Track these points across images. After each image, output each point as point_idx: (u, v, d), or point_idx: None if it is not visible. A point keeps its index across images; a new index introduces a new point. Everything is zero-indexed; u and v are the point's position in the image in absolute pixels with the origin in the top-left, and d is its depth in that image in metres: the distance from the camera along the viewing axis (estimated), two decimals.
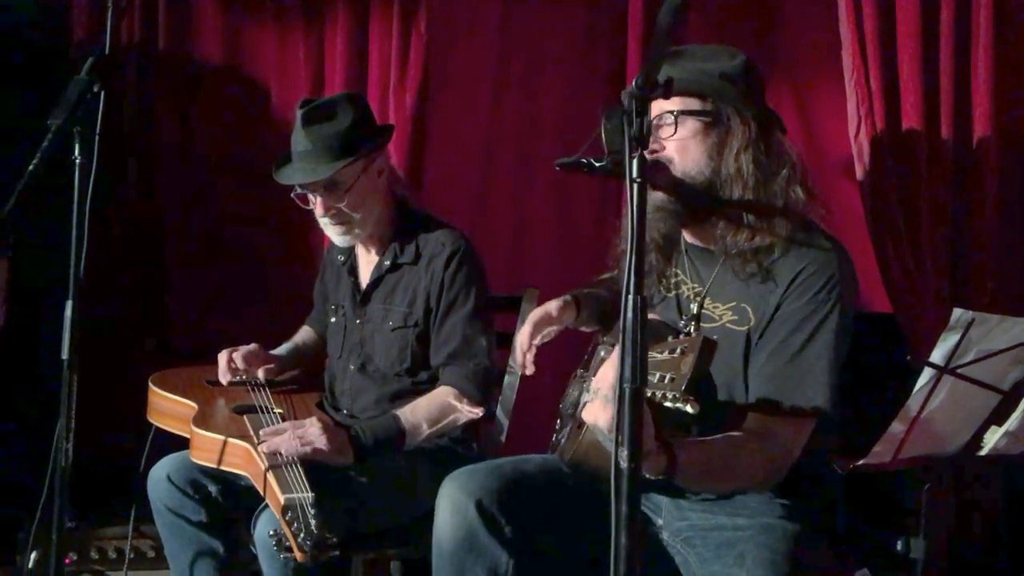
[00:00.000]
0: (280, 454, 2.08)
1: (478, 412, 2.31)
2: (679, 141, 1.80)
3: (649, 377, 1.52)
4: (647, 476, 1.60)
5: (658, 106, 1.76)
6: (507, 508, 1.80)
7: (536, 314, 2.03)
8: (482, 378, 2.31)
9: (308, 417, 2.22)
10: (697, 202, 1.82)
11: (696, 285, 1.91)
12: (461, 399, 2.29)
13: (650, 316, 1.82)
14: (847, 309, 1.79)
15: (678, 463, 1.61)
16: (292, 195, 2.36)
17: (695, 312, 1.88)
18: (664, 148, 1.80)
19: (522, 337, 2.01)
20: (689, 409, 1.49)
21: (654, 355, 1.55)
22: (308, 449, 2.11)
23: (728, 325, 1.84)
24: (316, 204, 2.33)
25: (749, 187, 1.79)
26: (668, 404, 1.51)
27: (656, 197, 1.81)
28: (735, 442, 1.75)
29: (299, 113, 2.33)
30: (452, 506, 1.82)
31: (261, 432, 2.15)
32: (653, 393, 1.52)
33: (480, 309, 2.34)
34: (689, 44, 1.93)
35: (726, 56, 1.86)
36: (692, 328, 1.87)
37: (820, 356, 1.76)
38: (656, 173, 1.79)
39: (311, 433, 2.14)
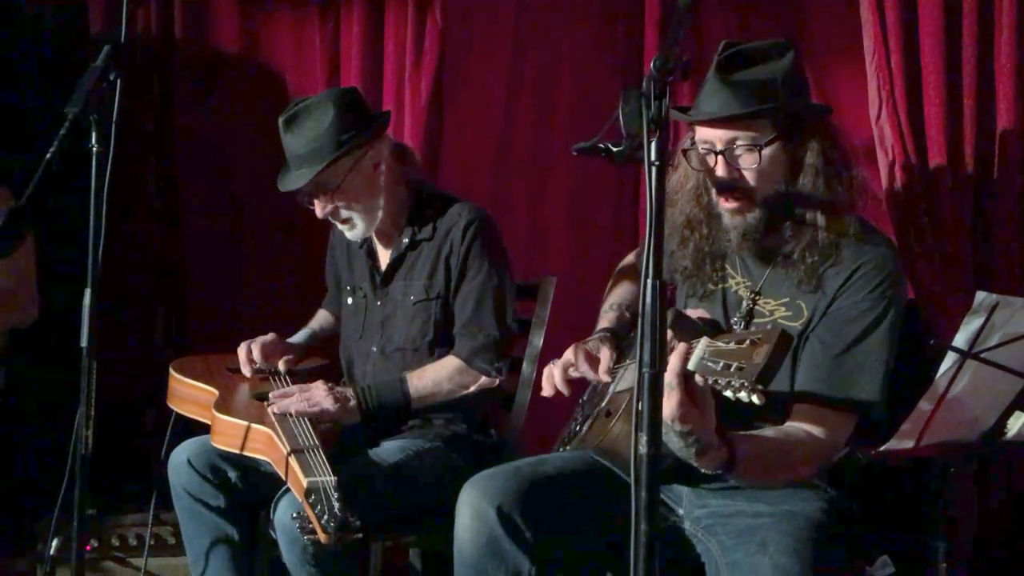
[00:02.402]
0: (290, 414, 2.16)
1: (486, 382, 2.31)
2: (762, 170, 1.79)
3: (711, 364, 1.51)
4: (705, 471, 1.60)
5: (731, 135, 1.77)
6: (528, 512, 1.79)
7: (576, 356, 1.93)
8: (491, 350, 2.31)
9: None
10: (775, 218, 1.82)
11: (747, 280, 1.89)
12: (464, 369, 2.30)
13: (695, 312, 1.83)
14: (900, 310, 1.80)
15: (737, 458, 1.60)
16: (297, 198, 2.36)
17: (748, 308, 1.87)
18: (743, 176, 1.79)
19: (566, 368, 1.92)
20: (755, 400, 1.47)
21: (719, 345, 1.53)
22: (316, 409, 2.19)
23: (780, 321, 1.83)
24: (315, 206, 2.34)
25: (822, 197, 1.80)
26: (729, 393, 1.49)
27: (741, 223, 1.82)
28: (787, 436, 1.74)
29: (280, 120, 2.32)
30: (473, 512, 1.81)
31: (270, 394, 2.23)
32: (715, 381, 1.50)
33: (494, 279, 2.34)
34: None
35: (776, 55, 1.82)
36: (743, 326, 1.86)
37: (872, 352, 1.77)
38: (741, 201, 1.80)
39: (317, 394, 2.22)
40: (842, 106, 2.75)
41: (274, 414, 2.19)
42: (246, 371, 2.45)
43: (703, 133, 1.82)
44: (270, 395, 2.25)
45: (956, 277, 2.36)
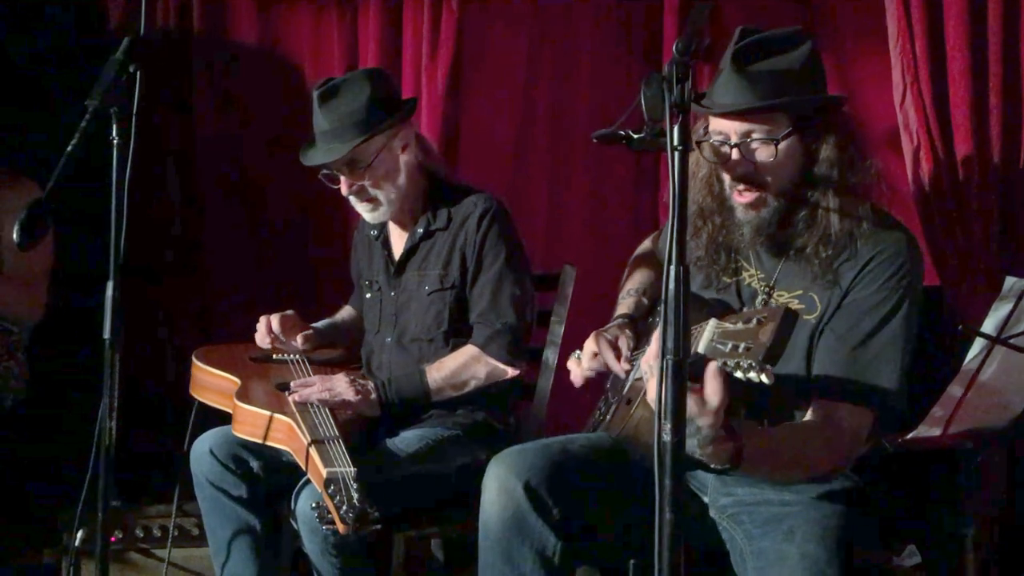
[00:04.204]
0: (311, 404, 2.17)
1: (503, 371, 2.30)
2: (777, 163, 1.76)
3: (720, 347, 1.49)
4: (712, 466, 1.58)
5: (746, 128, 1.75)
6: (555, 489, 1.78)
7: (599, 344, 1.92)
8: (508, 337, 2.29)
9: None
10: (789, 210, 1.79)
11: (760, 273, 1.87)
12: (481, 358, 2.30)
13: (711, 297, 1.81)
14: (916, 300, 1.76)
15: (745, 453, 1.58)
16: (320, 176, 2.35)
17: (763, 301, 1.84)
18: (756, 167, 1.77)
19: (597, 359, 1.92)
20: (764, 379, 1.45)
21: (727, 326, 1.52)
22: (337, 400, 2.21)
23: None
24: (341, 183, 2.33)
25: (837, 189, 1.77)
26: (739, 375, 1.47)
27: (754, 218, 1.79)
28: (801, 432, 1.72)
29: (315, 94, 2.32)
30: (499, 486, 1.80)
31: (292, 384, 2.24)
32: (724, 363, 1.48)
33: (511, 267, 2.33)
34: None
35: (792, 44, 1.79)
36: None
37: (888, 344, 1.73)
38: (755, 194, 1.78)
39: (339, 385, 2.24)
40: (866, 91, 2.73)
41: (295, 403, 2.19)
42: (265, 343, 2.46)
43: (717, 124, 1.79)
44: (291, 384, 2.25)
45: (983, 262, 2.33)
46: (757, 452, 1.61)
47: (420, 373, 2.31)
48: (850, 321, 1.75)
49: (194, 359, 2.46)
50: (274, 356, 2.49)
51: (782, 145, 1.75)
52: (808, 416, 1.75)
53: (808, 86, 1.77)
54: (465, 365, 2.31)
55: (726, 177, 1.82)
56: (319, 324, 2.61)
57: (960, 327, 1.87)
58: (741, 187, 1.79)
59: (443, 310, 2.36)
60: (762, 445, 1.63)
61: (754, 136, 1.75)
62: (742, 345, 1.47)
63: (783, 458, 1.69)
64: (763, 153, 1.76)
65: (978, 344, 1.78)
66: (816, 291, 1.79)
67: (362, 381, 2.30)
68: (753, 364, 1.45)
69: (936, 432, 1.84)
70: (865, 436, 1.75)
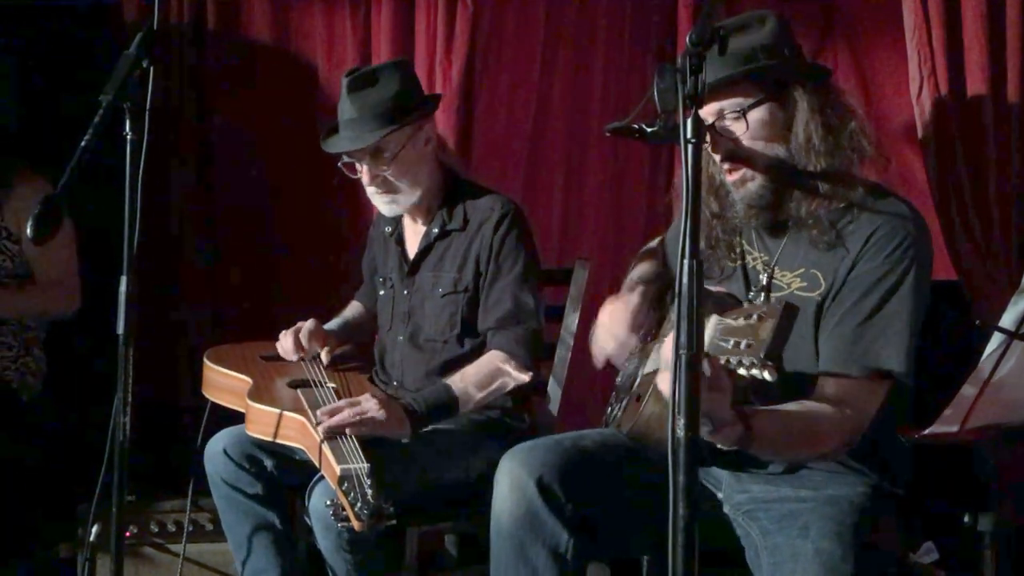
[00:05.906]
0: (341, 434, 2.04)
1: (526, 377, 2.29)
2: (753, 135, 1.77)
3: (722, 343, 1.49)
4: (722, 447, 1.57)
5: (718, 106, 1.77)
6: (568, 485, 1.77)
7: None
8: (531, 342, 2.29)
9: (362, 392, 2.21)
10: (782, 185, 1.79)
11: (763, 255, 1.87)
12: (509, 363, 2.28)
13: (717, 288, 1.80)
14: (923, 270, 1.74)
15: (754, 433, 1.58)
16: (339, 164, 2.35)
17: (765, 283, 1.84)
18: (736, 143, 1.78)
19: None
20: (767, 376, 1.45)
21: (728, 322, 1.51)
22: (367, 427, 2.09)
23: (797, 292, 1.80)
24: (363, 172, 2.32)
25: (820, 152, 1.76)
26: (743, 371, 1.47)
27: (745, 193, 1.80)
28: (810, 409, 1.70)
29: (344, 81, 2.32)
30: (512, 482, 1.79)
31: (318, 412, 2.10)
32: (727, 360, 1.48)
33: (529, 272, 2.32)
34: (747, 9, 1.89)
35: (755, 24, 1.81)
36: (762, 298, 1.84)
37: (895, 318, 1.72)
38: (742, 168, 1.79)
39: (368, 409, 2.11)
40: (882, 84, 2.71)
41: (306, 400, 2.18)
42: (293, 358, 2.44)
43: None
44: (317, 412, 2.10)
45: (1002, 257, 2.31)
46: (766, 432, 1.61)
47: (445, 387, 2.24)
48: (855, 296, 1.74)
49: (205, 360, 2.46)
50: None
51: (752, 115, 1.77)
52: (816, 393, 1.74)
53: (777, 58, 1.78)
54: (492, 373, 2.27)
55: (717, 160, 1.83)
56: (332, 325, 2.59)
57: (977, 322, 1.84)
58: (727, 166, 1.81)
59: (456, 313, 2.35)
60: (771, 425, 1.63)
61: (726, 112, 1.78)
62: (743, 342, 1.48)
63: (792, 437, 1.68)
64: (737, 128, 1.78)
65: (996, 340, 1.76)
66: (819, 266, 1.78)
67: (391, 402, 2.17)
68: (755, 361, 1.45)
69: (953, 428, 1.81)
70: (873, 412, 1.73)
